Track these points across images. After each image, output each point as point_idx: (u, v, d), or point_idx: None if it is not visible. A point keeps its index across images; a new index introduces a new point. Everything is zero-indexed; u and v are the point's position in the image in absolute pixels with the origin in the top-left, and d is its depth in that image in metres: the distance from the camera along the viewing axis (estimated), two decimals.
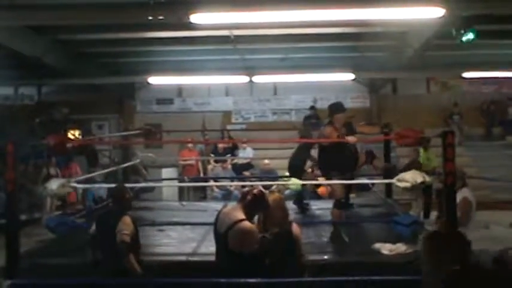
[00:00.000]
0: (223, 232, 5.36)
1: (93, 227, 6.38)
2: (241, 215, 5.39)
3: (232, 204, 5.78)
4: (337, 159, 8.13)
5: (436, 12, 9.85)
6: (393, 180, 7.91)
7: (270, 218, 5.58)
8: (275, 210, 5.62)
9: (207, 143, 17.90)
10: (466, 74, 17.51)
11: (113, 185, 7.02)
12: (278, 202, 5.71)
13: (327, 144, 8.25)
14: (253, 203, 5.48)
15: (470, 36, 11.40)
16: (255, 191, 5.63)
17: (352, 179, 8.60)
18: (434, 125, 15.95)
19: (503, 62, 16.57)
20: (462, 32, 11.41)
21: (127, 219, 5.96)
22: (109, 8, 10.94)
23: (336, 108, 8.53)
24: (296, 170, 9.95)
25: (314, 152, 9.53)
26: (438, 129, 7.94)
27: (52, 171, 13.87)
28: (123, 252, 5.78)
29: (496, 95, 19.51)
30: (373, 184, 11.24)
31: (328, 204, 11.09)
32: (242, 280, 5.33)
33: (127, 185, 10.68)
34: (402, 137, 7.50)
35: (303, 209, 10.09)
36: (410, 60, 15.00)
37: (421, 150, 13.31)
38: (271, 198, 5.70)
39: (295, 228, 5.66)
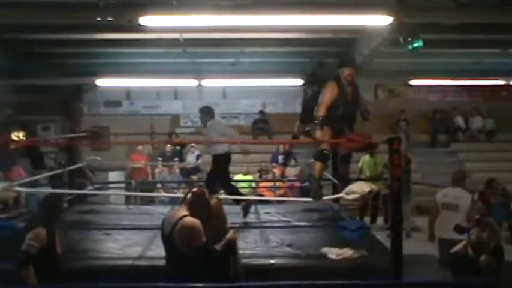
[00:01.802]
0: (169, 233, 5.35)
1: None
2: (183, 212, 5.42)
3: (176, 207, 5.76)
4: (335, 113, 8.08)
5: (385, 20, 10.00)
6: (341, 195, 7.97)
7: (210, 225, 5.54)
8: (214, 217, 5.59)
9: (156, 143, 17.77)
10: (413, 82, 17.83)
11: (53, 191, 6.84)
12: (216, 208, 5.68)
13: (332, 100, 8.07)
14: (194, 202, 5.51)
15: (418, 44, 11.59)
16: (194, 189, 5.62)
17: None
18: (382, 131, 16.14)
19: (449, 71, 16.92)
20: (410, 40, 11.60)
21: (40, 231, 5.70)
22: (57, 8, 10.80)
23: (343, 61, 8.35)
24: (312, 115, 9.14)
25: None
26: (385, 135, 8.01)
27: None
28: (21, 261, 5.59)
29: (441, 103, 19.87)
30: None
31: (275, 208, 11.16)
32: (189, 284, 5.29)
33: (71, 191, 10.61)
34: (350, 141, 7.57)
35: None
36: (358, 67, 15.15)
37: (367, 156, 13.50)
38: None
39: (230, 235, 5.65)
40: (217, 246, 5.43)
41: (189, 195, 5.55)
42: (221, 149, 9.31)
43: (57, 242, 5.93)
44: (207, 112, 9.71)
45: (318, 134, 8.16)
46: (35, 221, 5.94)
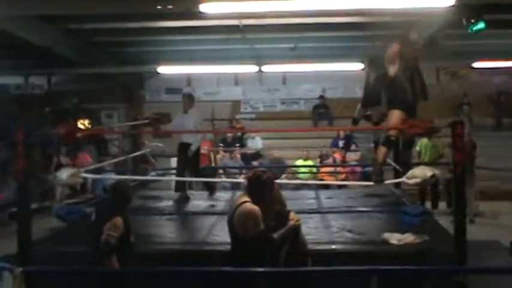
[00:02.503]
0: (230, 219, 5.42)
1: (93, 216, 6.33)
2: (244, 199, 5.44)
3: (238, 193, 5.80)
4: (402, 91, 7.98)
5: (446, 2, 9.82)
6: (403, 179, 7.89)
7: (268, 210, 5.54)
8: (276, 201, 5.60)
9: (216, 132, 17.91)
10: (476, 64, 17.47)
11: (118, 177, 6.93)
12: (274, 193, 5.67)
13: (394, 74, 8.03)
14: (251, 187, 5.51)
15: (480, 25, 11.36)
16: (248, 174, 5.64)
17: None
18: (444, 115, 15.90)
19: None
20: (472, 21, 11.37)
21: (118, 221, 5.77)
22: None
23: (405, 40, 8.18)
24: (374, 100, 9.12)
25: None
26: (447, 119, 7.91)
27: (63, 160, 13.97)
28: (104, 253, 5.68)
29: (505, 85, 19.42)
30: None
31: (336, 194, 11.15)
32: (251, 269, 5.35)
33: (134, 177, 10.83)
34: (412, 126, 7.49)
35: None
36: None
37: (425, 139, 13.33)
38: None
39: (292, 218, 5.65)
40: (276, 235, 5.44)
41: (246, 181, 5.57)
42: (195, 141, 10.06)
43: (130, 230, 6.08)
44: (191, 99, 10.40)
45: (393, 114, 8.04)
46: (108, 209, 6.02)
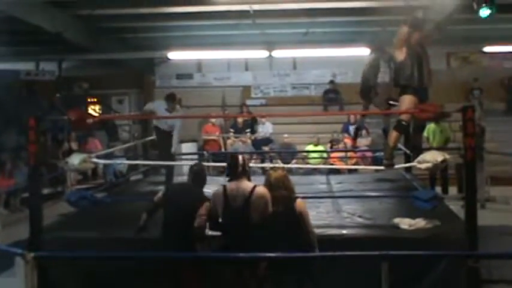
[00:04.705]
0: (242, 205, 5.45)
1: (159, 195, 6.12)
2: (250, 183, 5.61)
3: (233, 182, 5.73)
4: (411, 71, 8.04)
5: None
6: (414, 163, 7.89)
7: (274, 197, 5.56)
8: (278, 189, 5.60)
9: (227, 117, 17.93)
10: (487, 49, 17.35)
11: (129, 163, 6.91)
12: (281, 180, 5.68)
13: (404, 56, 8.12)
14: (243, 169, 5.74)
15: (491, 9, 11.27)
16: (240, 159, 5.81)
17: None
18: (454, 100, 15.82)
19: None
20: (483, 5, 11.28)
21: (208, 206, 5.72)
22: None
23: (413, 24, 8.27)
24: (365, 88, 9.69)
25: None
26: (458, 104, 7.89)
27: (73, 145, 14.02)
28: (199, 237, 5.64)
29: None
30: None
31: (347, 179, 11.14)
32: (258, 254, 5.37)
33: (145, 162, 10.86)
34: (423, 111, 7.48)
35: None
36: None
37: (432, 124, 13.26)
38: (273, 176, 5.69)
39: (299, 205, 5.63)
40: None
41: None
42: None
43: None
44: (175, 99, 10.83)
45: (405, 100, 8.05)
46: (195, 193, 5.94)
